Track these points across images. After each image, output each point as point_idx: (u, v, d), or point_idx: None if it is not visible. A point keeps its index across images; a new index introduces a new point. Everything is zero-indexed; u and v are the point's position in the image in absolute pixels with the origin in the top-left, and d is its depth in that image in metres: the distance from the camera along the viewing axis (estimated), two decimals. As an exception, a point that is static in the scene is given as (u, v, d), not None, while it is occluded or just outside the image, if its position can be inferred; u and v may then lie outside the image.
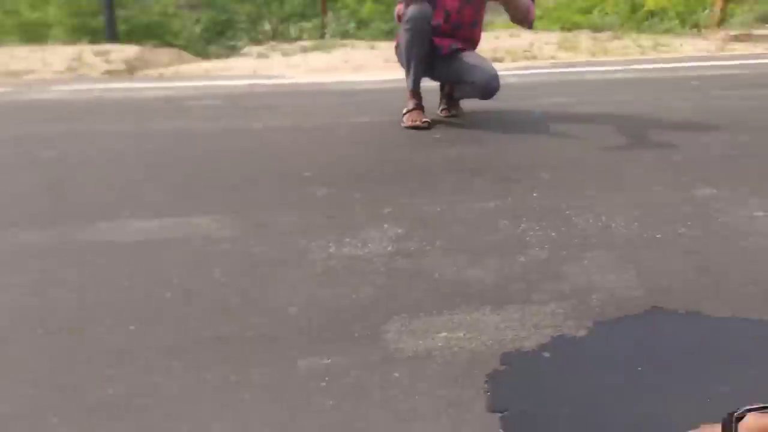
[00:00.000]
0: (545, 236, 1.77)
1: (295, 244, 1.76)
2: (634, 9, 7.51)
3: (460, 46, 2.92)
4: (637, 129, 2.79)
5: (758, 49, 5.19)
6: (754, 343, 1.29)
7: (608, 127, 2.84)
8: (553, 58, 5.09)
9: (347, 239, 1.79)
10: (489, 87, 2.84)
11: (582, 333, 1.32)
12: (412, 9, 2.75)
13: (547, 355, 1.26)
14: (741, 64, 4.40)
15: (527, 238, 1.76)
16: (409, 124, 2.90)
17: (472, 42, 3.03)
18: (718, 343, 1.28)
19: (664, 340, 1.30)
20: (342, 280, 1.57)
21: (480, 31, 3.06)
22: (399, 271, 1.61)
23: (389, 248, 1.73)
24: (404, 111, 2.96)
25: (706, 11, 6.88)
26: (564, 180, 2.20)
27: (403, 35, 2.83)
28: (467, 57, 2.92)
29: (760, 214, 1.84)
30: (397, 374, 1.22)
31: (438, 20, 2.85)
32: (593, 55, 5.16)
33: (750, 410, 0.67)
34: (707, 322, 1.35)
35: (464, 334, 1.34)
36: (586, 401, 1.13)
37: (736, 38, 5.71)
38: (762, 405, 0.67)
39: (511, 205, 1.99)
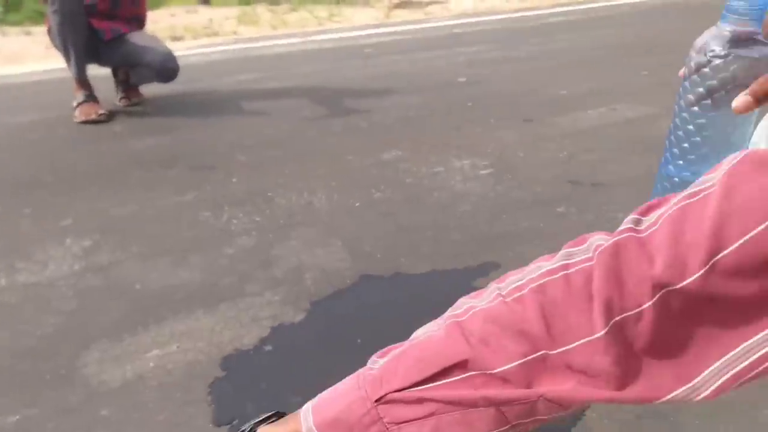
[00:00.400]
0: (250, 222, 1.70)
1: (-50, 283, 1.43)
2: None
3: (124, 29, 2.66)
4: (323, 100, 2.86)
5: (417, 14, 5.74)
6: (450, 294, 1.40)
7: (297, 101, 2.87)
8: (235, 33, 5.00)
9: (20, 265, 1.51)
10: (165, 68, 2.65)
11: (300, 317, 1.30)
12: (56, -14, 2.40)
13: (269, 348, 1.21)
14: (405, 30, 4.81)
15: (232, 228, 1.68)
16: (83, 118, 2.58)
17: (138, 21, 2.78)
18: (424, 299, 1.36)
19: (373, 308, 1.33)
20: (20, 315, 1.32)
21: (145, 7, 2.82)
22: (91, 291, 1.41)
23: (76, 266, 1.50)
24: (74, 104, 2.62)
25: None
26: (262, 160, 2.15)
27: (52, 18, 2.47)
28: (134, 38, 2.68)
29: (441, 169, 2.01)
30: (105, 412, 1.06)
31: (92, -1, 2.55)
32: (274, 28, 5.19)
33: (257, 423, 0.74)
34: (410, 280, 1.42)
35: (177, 347, 1.22)
36: (315, 389, 1.11)
37: (400, 5, 6.25)
38: (267, 415, 0.74)
39: (211, 195, 1.89)
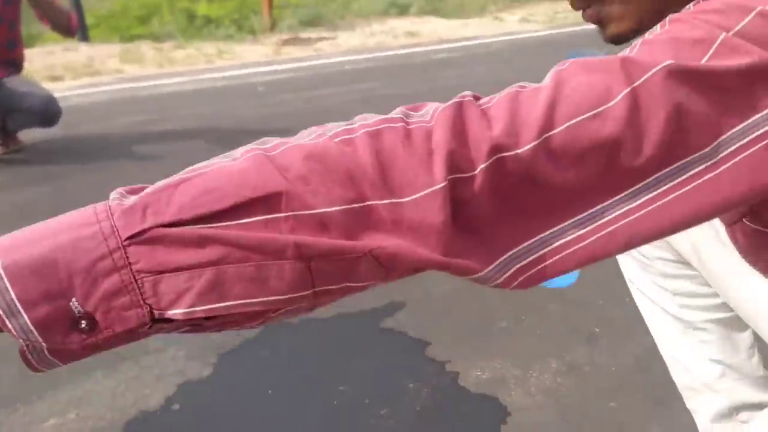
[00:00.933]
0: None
1: None
2: (191, 17, 7.65)
3: (0, 74, 2.53)
4: (218, 141, 2.84)
5: (308, 51, 5.80)
6: (359, 334, 1.42)
7: (191, 143, 2.82)
8: (118, 72, 4.84)
9: None
10: (48, 112, 2.54)
11: (207, 371, 1.27)
12: None
13: (176, 407, 1.18)
14: (297, 67, 4.85)
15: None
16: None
17: (15, 65, 2.65)
18: (334, 342, 1.37)
19: (283, 356, 1.33)
20: None
21: (22, 51, 2.70)
22: (-24, 360, 1.32)
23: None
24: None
25: (258, 16, 7.39)
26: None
27: None
28: (12, 83, 2.56)
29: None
30: (-2, 493, 0.99)
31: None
32: (161, 66, 5.07)
33: None
34: (319, 324, 1.44)
35: (77, 414, 1.16)
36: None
37: (289, 42, 6.29)
38: None
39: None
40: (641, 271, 0.88)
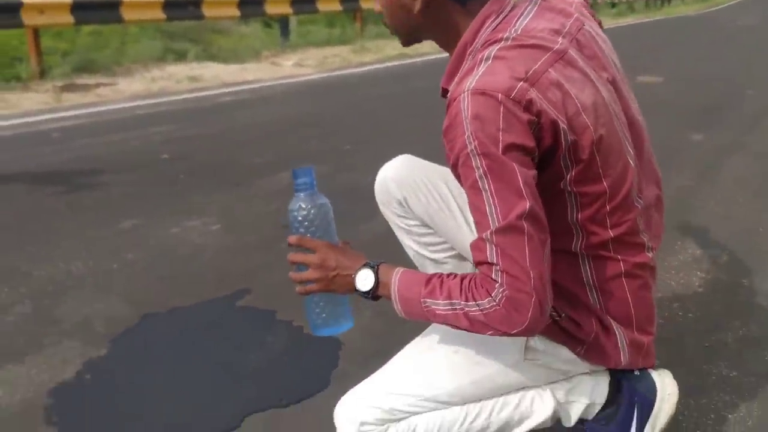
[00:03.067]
0: (18, 294, 1.92)
1: None
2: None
3: None
4: (34, 188, 3.00)
5: (90, 97, 5.87)
6: (218, 322, 1.86)
7: (9, 188, 2.96)
8: None
9: None
10: None
11: (102, 352, 1.63)
12: None
13: (87, 377, 1.53)
14: (87, 113, 4.97)
15: (1, 301, 1.88)
16: None
17: None
18: (194, 327, 1.80)
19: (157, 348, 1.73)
20: None
21: None
22: None
23: None
24: None
25: (24, 64, 7.13)
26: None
27: None
28: None
29: (177, 230, 2.43)
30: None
31: None
32: None
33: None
34: (183, 314, 1.85)
35: (3, 392, 1.46)
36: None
37: (66, 88, 6.26)
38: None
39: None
40: (406, 234, 1.48)
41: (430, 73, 7.49)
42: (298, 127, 4.29)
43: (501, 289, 0.89)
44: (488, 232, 0.89)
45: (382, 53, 9.44)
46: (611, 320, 1.07)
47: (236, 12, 8.88)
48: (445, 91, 1.05)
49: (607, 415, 1.16)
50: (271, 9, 9.54)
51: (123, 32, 8.78)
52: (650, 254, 1.08)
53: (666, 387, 1.17)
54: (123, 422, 1.39)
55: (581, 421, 1.17)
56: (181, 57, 7.96)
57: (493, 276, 0.90)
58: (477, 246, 0.91)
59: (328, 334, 1.20)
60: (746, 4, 20.51)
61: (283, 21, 10.05)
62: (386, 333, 1.71)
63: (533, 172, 0.91)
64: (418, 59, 8.78)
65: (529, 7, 1.03)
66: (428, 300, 0.97)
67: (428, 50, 9.92)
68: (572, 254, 1.04)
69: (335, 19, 11.85)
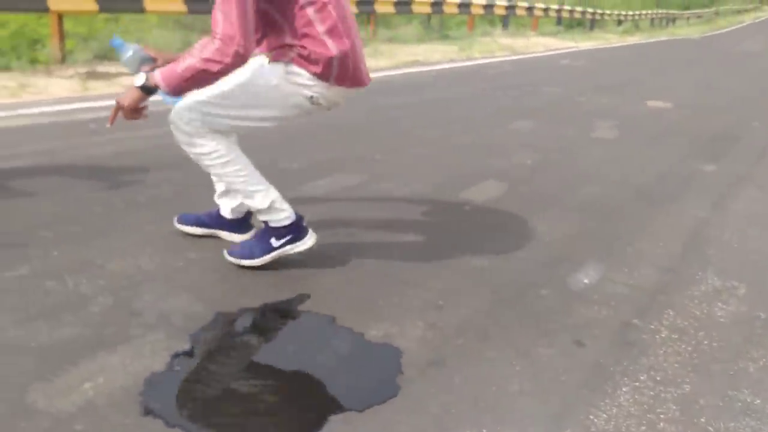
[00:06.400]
0: (97, 285, 2.07)
1: None
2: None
3: None
4: (85, 177, 3.14)
5: (114, 87, 5.99)
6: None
7: (59, 181, 3.09)
8: None
9: None
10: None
11: (186, 346, 1.79)
12: None
13: (177, 368, 1.69)
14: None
15: (83, 291, 2.03)
16: None
17: None
18: (264, 322, 1.96)
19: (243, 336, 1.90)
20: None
21: None
22: (-7, 354, 1.67)
23: (-38, 337, 1.73)
24: None
25: (46, 48, 7.22)
26: (67, 235, 2.45)
27: None
28: None
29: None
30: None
31: None
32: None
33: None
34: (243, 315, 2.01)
35: (104, 379, 1.61)
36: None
37: (90, 76, 6.38)
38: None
39: (43, 267, 2.17)
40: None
41: (445, 82, 7.70)
42: (320, 131, 4.44)
43: (217, 40, 1.84)
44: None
45: (396, 59, 9.61)
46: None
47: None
48: None
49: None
50: (289, 8, 9.65)
51: (140, 20, 8.89)
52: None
53: (312, 236, 2.30)
54: (210, 416, 1.55)
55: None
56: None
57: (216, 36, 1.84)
58: (213, 17, 1.85)
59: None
60: (749, 29, 20.86)
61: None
62: (441, 344, 1.88)
63: None
64: (432, 68, 8.95)
65: None
66: (179, 66, 1.86)
67: (440, 59, 10.13)
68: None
69: (347, 21, 11.97)
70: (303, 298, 2.10)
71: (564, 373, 1.77)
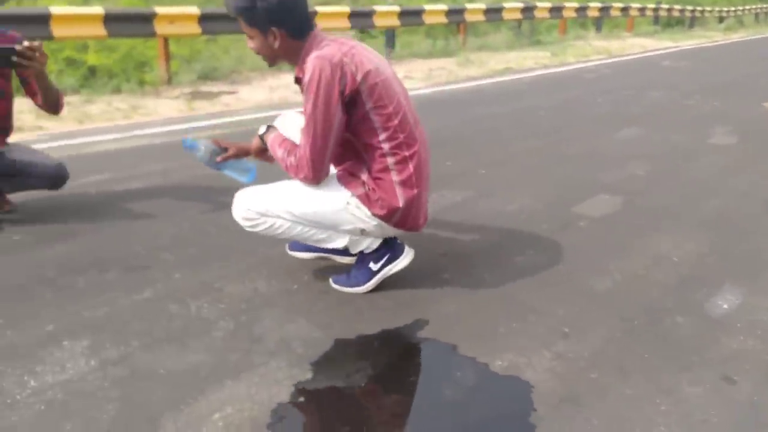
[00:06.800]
0: (218, 309, 2.09)
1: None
2: (77, 67, 7.59)
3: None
4: (197, 198, 3.23)
5: (217, 106, 6.20)
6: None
7: (174, 202, 3.19)
8: (40, 128, 4.97)
9: (38, 368, 1.73)
10: (60, 176, 2.87)
11: (307, 376, 1.76)
12: None
13: (301, 399, 1.66)
14: (220, 123, 5.26)
15: (204, 315, 2.05)
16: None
17: (5, 131, 2.89)
18: (390, 344, 1.90)
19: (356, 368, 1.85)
20: (75, 408, 1.59)
21: (11, 119, 2.92)
22: (122, 380, 1.70)
23: (92, 362, 1.77)
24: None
25: (154, 71, 7.58)
26: (187, 257, 2.50)
27: None
28: (15, 153, 2.83)
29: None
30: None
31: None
32: (80, 122, 5.24)
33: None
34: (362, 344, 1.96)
35: (232, 408, 1.60)
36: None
37: (195, 96, 6.63)
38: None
39: (165, 291, 2.21)
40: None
41: (540, 89, 7.48)
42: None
43: (298, 158, 2.07)
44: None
45: (487, 67, 9.46)
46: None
47: (347, 24, 9.11)
48: (298, 79, 2.07)
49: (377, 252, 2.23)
50: (379, 21, 9.74)
51: (238, 39, 9.18)
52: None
53: (409, 252, 2.27)
54: (345, 447, 1.50)
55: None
56: (291, 66, 8.23)
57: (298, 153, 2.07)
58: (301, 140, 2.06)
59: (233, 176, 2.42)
60: None
61: (389, 32, 10.23)
62: (573, 377, 1.76)
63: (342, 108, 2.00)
64: (524, 75, 8.74)
65: (330, 38, 2.07)
66: (278, 152, 2.13)
67: (533, 65, 9.89)
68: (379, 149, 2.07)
69: (434, 30, 11.95)
70: (421, 324, 2.04)
71: (715, 415, 1.61)
